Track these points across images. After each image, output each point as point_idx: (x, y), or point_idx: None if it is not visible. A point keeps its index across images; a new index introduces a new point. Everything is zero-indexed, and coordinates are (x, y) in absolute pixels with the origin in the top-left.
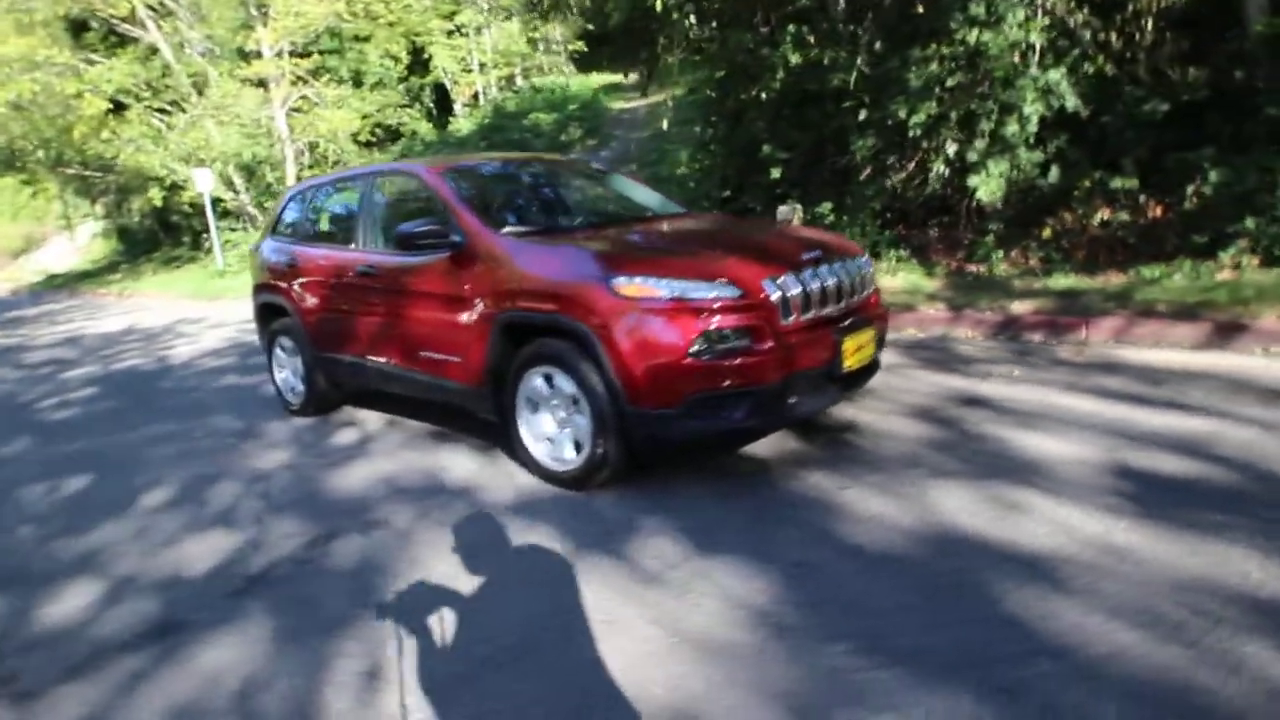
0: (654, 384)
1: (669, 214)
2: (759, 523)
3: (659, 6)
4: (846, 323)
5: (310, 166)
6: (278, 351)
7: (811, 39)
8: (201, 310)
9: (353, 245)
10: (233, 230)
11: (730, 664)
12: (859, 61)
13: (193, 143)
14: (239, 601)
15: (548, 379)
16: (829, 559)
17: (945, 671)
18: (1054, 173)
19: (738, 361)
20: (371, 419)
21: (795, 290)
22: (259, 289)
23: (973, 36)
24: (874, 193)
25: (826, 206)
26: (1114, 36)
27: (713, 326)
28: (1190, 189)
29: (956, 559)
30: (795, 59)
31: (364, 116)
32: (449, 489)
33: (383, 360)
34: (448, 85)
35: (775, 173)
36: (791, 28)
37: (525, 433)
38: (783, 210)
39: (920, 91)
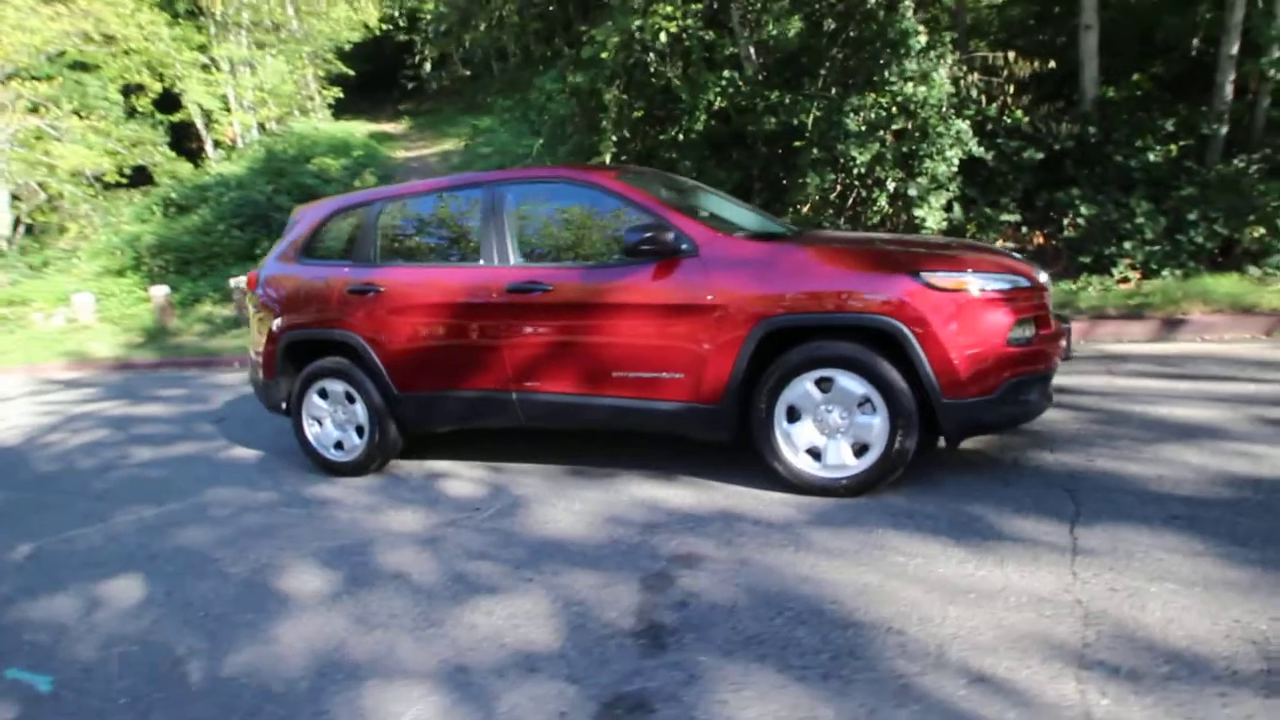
0: (976, 372)
1: (795, 232)
2: (1050, 497)
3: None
4: None
5: (38, 211)
6: (312, 400)
7: (741, 85)
8: None
9: (482, 262)
10: None
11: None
12: (813, 106)
13: None
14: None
15: (820, 383)
16: (1181, 509)
17: None
18: (956, 209)
19: (1036, 347)
20: (428, 467)
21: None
22: (285, 328)
23: (908, 89)
24: (819, 224)
25: None
26: (996, 96)
27: (1021, 315)
28: (1066, 221)
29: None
30: (720, 103)
31: (111, 154)
32: (711, 518)
33: (539, 390)
34: (199, 124)
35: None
36: (727, 73)
37: (783, 444)
38: None
39: (864, 134)
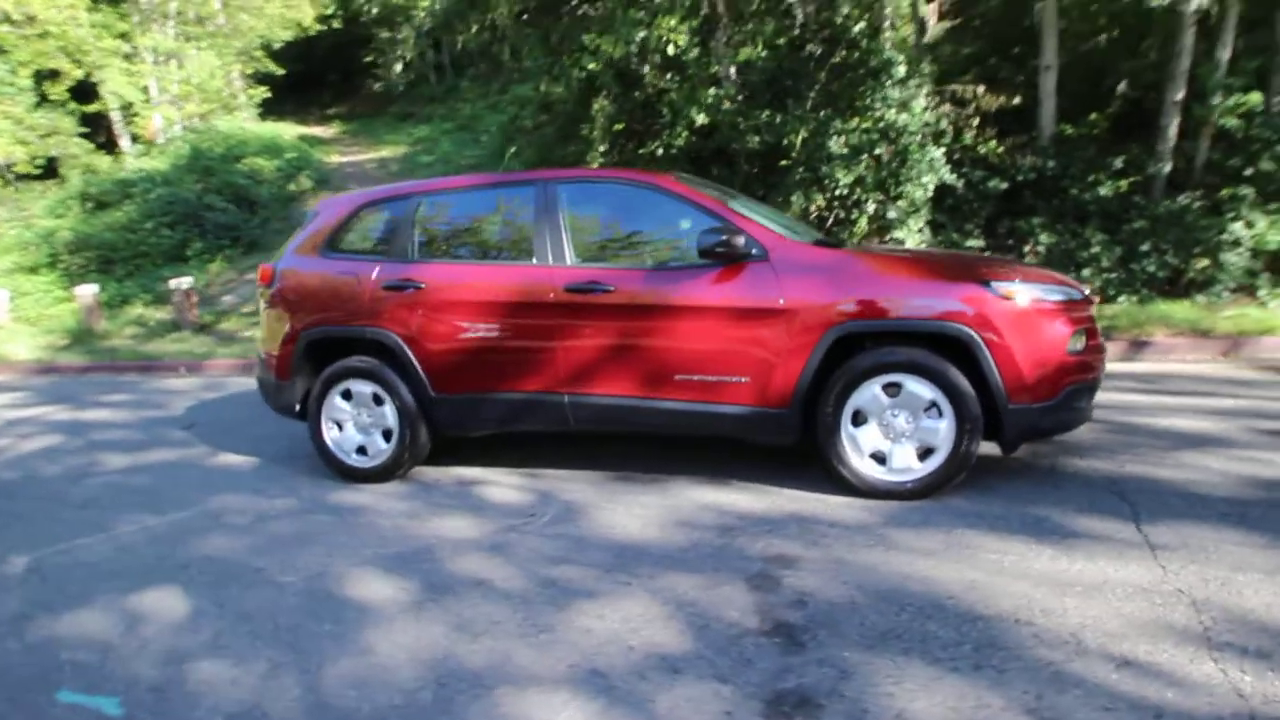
0: (1040, 379)
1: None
2: (1102, 499)
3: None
4: None
5: None
6: (334, 402)
7: (727, 102)
8: None
9: (535, 260)
10: None
11: None
12: (802, 127)
13: None
14: None
15: (888, 388)
16: (1226, 509)
17: None
18: (926, 232)
19: (1088, 357)
20: (456, 474)
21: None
22: (306, 325)
23: (890, 115)
24: None
25: None
26: (964, 128)
27: (1078, 325)
28: (1027, 248)
29: None
30: (701, 119)
31: (22, 142)
32: (784, 520)
33: (594, 392)
34: (115, 116)
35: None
36: (713, 90)
37: (849, 448)
38: None
39: (849, 157)
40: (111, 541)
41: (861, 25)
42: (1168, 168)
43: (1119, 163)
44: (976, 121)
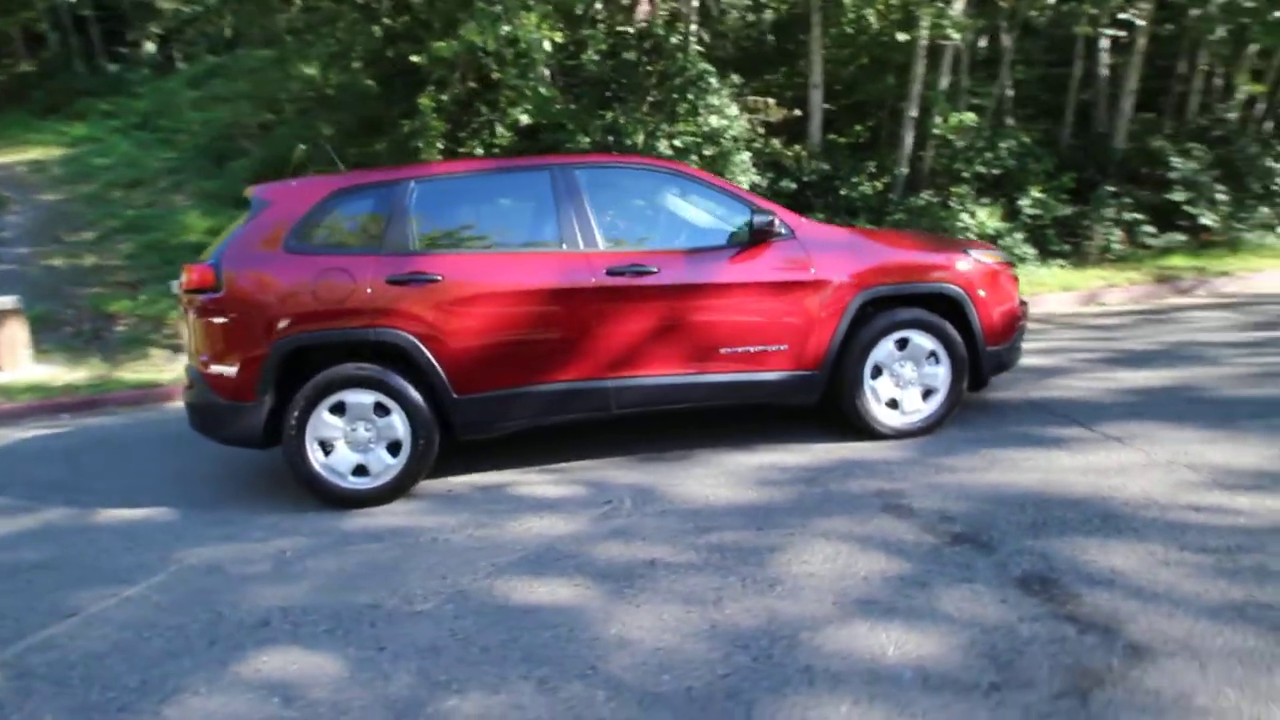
0: (1004, 326)
1: None
2: (1048, 416)
3: None
4: None
5: None
6: (322, 418)
7: (557, 103)
8: None
9: (565, 246)
10: None
11: None
12: (639, 128)
13: None
14: None
15: (899, 343)
16: (1133, 411)
17: None
18: None
19: (1022, 308)
20: (473, 481)
21: None
22: (283, 332)
23: (713, 121)
24: None
25: None
26: (757, 135)
27: (1017, 281)
28: None
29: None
30: (525, 118)
31: None
32: (853, 465)
33: (639, 374)
34: None
35: None
36: (543, 90)
37: (871, 399)
38: None
39: (678, 157)
40: (107, 620)
41: (677, 38)
42: (906, 171)
43: (872, 166)
44: (764, 130)
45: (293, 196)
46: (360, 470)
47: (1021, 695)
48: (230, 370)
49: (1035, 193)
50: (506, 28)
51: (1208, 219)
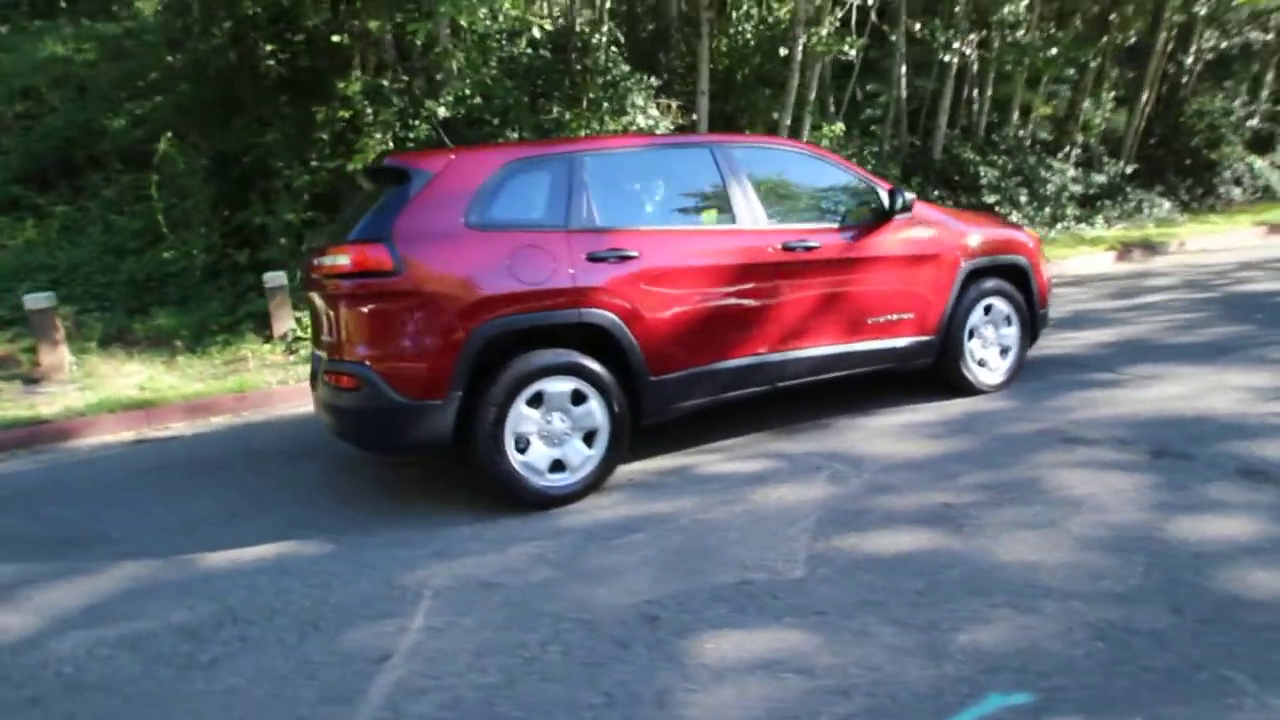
0: (1046, 292)
1: None
2: (1067, 367)
3: None
4: None
5: None
6: (520, 412)
7: (478, 98)
8: None
9: (737, 223)
10: None
11: None
12: (585, 125)
13: None
14: None
15: (986, 309)
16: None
17: None
18: None
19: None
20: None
21: None
22: (482, 318)
23: (640, 121)
24: None
25: None
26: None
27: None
28: None
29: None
30: (443, 111)
31: None
32: (984, 419)
33: (806, 346)
34: None
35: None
36: (467, 82)
37: (970, 359)
38: None
39: None
40: (430, 656)
41: (597, 39)
42: None
43: None
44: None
45: (461, 168)
46: (557, 466)
47: None
48: (421, 365)
49: None
50: (484, 9)
51: (1014, 219)
